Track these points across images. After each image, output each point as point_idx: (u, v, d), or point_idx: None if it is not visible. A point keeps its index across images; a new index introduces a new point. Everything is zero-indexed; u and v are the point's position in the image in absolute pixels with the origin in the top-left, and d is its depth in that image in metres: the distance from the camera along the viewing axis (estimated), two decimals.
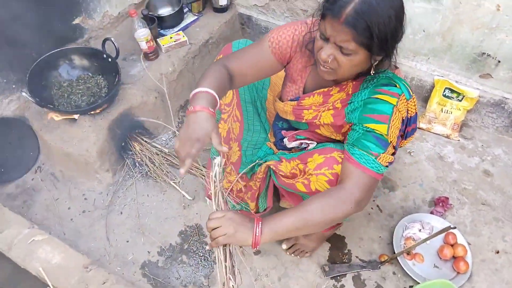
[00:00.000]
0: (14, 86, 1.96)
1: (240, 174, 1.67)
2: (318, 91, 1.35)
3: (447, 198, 1.94)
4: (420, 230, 1.84)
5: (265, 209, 1.77)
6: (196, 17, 2.43)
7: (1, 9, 1.76)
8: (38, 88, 1.93)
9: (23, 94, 1.75)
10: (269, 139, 1.71)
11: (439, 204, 1.94)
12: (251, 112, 1.67)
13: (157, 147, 2.08)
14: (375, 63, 1.16)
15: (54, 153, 1.98)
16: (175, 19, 2.35)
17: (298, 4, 2.28)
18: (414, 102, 1.28)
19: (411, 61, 2.22)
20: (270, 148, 1.67)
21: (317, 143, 1.51)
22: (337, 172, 1.30)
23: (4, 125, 1.96)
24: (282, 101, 1.49)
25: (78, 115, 1.90)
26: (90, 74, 2.06)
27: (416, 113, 1.31)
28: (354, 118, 1.24)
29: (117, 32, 2.38)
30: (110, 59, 2.01)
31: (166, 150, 2.08)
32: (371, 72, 1.21)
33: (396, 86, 1.22)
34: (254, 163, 1.63)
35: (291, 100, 1.44)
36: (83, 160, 1.89)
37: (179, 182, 2.02)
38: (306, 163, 1.41)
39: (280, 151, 1.63)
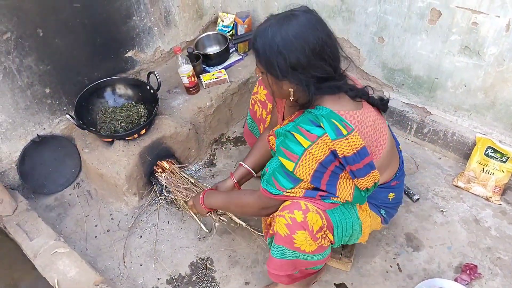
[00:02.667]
0: (65, 108, 2.17)
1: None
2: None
3: (476, 266, 1.79)
4: None
5: None
6: (241, 57, 2.54)
7: (61, 38, 1.98)
8: (86, 112, 2.12)
9: (68, 116, 1.93)
10: None
11: (466, 271, 1.79)
12: None
13: (185, 177, 2.16)
14: (292, 90, 1.30)
15: (90, 172, 2.14)
16: (220, 57, 2.48)
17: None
18: (349, 140, 1.24)
19: (452, 115, 2.12)
20: None
21: None
22: (296, 217, 1.34)
23: (52, 142, 2.17)
24: None
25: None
26: (133, 102, 2.22)
27: (360, 149, 1.26)
28: (276, 145, 1.35)
29: (167, 66, 2.55)
30: (152, 91, 2.16)
31: (192, 180, 2.15)
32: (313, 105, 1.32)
33: (320, 126, 1.23)
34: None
35: None
36: (113, 182, 2.02)
37: None
38: None
39: None
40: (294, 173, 1.29)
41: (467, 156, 2.16)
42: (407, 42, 2.02)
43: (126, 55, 2.33)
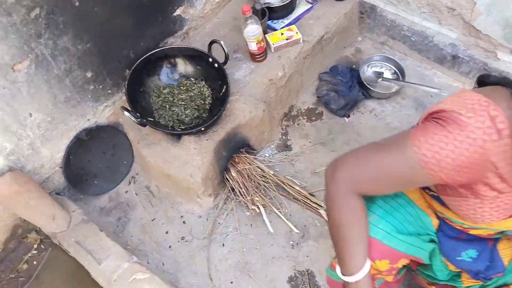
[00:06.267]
0: (109, 91, 1.73)
1: None
2: None
3: None
4: None
5: None
6: (310, 5, 2.03)
7: (101, 4, 1.48)
8: (137, 96, 1.69)
9: (126, 114, 1.51)
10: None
11: None
12: None
13: (263, 169, 1.81)
14: None
15: (151, 169, 1.77)
16: (287, 8, 1.98)
17: (444, 1, 1.83)
18: None
19: None
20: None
21: None
22: None
23: (99, 134, 1.76)
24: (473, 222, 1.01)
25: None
26: (192, 80, 1.78)
27: None
28: None
29: (218, 21, 2.04)
30: (216, 64, 1.71)
31: (272, 172, 1.81)
32: None
33: None
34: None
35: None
36: (186, 185, 1.67)
37: (286, 212, 1.77)
38: None
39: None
40: None
41: None
42: None
43: (175, 13, 1.81)
